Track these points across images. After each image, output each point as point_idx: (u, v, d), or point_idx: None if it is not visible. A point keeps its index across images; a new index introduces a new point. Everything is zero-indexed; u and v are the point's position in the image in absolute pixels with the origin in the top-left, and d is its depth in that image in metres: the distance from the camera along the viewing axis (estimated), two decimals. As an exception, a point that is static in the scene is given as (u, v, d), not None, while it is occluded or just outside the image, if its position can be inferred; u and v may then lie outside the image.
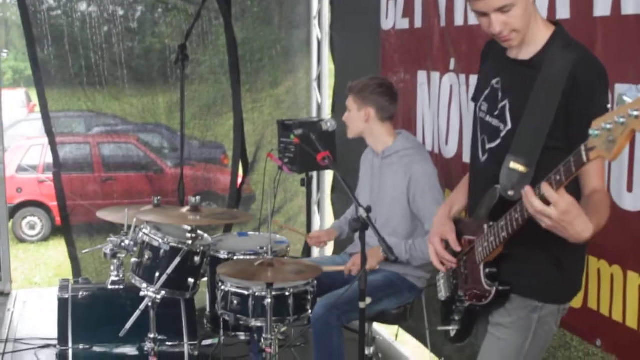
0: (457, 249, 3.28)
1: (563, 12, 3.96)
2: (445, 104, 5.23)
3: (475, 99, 3.39)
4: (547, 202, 2.59)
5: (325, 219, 8.00)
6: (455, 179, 5.07)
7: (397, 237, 4.72)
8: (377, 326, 6.13)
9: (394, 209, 4.79)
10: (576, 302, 3.83)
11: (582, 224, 2.63)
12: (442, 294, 3.53)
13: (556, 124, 2.85)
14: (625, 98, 2.29)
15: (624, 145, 2.30)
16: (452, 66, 5.11)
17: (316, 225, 7.83)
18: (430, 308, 4.99)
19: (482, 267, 3.10)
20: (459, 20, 4.99)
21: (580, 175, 2.83)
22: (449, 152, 5.22)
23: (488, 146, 3.18)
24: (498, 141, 3.11)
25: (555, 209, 2.57)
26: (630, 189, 3.59)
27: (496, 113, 3.14)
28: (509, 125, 3.05)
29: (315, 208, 7.78)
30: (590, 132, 2.37)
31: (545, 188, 2.57)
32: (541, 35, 3.02)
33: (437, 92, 5.33)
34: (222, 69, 7.59)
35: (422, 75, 5.57)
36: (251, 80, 7.84)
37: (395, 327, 5.38)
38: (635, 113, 2.24)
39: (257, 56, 7.93)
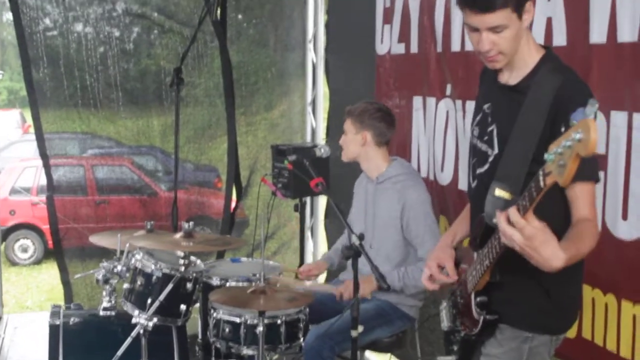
0: (454, 277, 3.27)
1: (559, 39, 3.96)
2: (441, 130, 5.21)
3: (472, 124, 3.40)
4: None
5: (318, 244, 7.97)
6: (450, 206, 5.06)
7: (391, 263, 4.71)
8: (370, 354, 6.08)
9: (387, 234, 4.78)
10: (571, 332, 3.76)
11: (549, 251, 2.58)
12: (444, 323, 3.50)
13: (543, 149, 2.81)
14: (572, 121, 2.27)
15: (573, 169, 2.27)
16: (448, 92, 5.11)
17: (309, 250, 7.80)
18: (422, 337, 4.96)
19: (472, 296, 3.10)
20: (455, 46, 4.98)
21: (570, 202, 2.85)
22: (445, 179, 5.21)
23: (477, 171, 3.19)
24: (486, 166, 3.11)
25: (520, 234, 2.55)
26: (625, 217, 3.57)
27: (485, 138, 3.14)
28: (496, 150, 3.05)
29: (308, 233, 7.76)
30: (546, 156, 2.36)
31: (512, 212, 2.56)
32: (531, 59, 3.02)
33: (432, 118, 5.32)
34: (217, 92, 7.58)
35: (417, 101, 5.56)
36: (246, 103, 7.84)
37: (388, 355, 5.34)
38: (578, 136, 2.21)
39: (252, 79, 7.93)
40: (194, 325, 5.31)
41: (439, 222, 5.17)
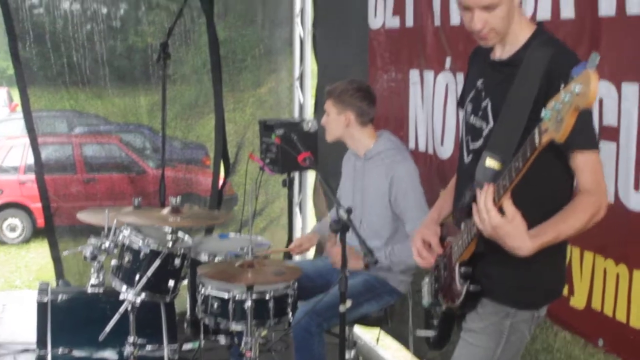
0: (439, 250, 3.29)
1: (567, 11, 3.90)
2: (441, 104, 5.15)
3: (460, 103, 3.41)
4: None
5: (307, 220, 7.96)
6: (450, 180, 5.04)
7: (380, 239, 4.72)
8: (358, 330, 6.09)
9: (376, 210, 4.77)
10: (580, 303, 3.83)
11: (515, 243, 2.72)
12: (425, 300, 3.51)
13: (535, 119, 2.82)
14: (573, 75, 2.27)
15: (570, 124, 2.29)
16: (447, 65, 5.04)
17: (298, 226, 7.79)
18: (414, 311, 4.97)
19: (457, 266, 3.09)
20: (455, 20, 4.90)
21: (574, 174, 2.88)
22: (445, 152, 5.14)
23: (472, 147, 3.19)
24: (480, 141, 3.11)
25: (488, 220, 2.68)
26: (637, 187, 3.54)
27: (480, 113, 3.14)
28: (491, 124, 3.05)
29: (297, 209, 7.74)
30: (543, 113, 2.38)
31: (483, 197, 2.68)
32: (522, 35, 3.03)
33: (431, 92, 5.25)
34: (205, 69, 7.53)
35: (414, 74, 5.48)
36: (233, 80, 7.80)
37: (377, 330, 5.35)
38: (577, 89, 2.22)
39: (240, 56, 7.88)
40: (183, 302, 5.31)
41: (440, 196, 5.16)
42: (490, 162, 2.84)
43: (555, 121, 2.31)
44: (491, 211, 2.66)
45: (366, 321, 4.90)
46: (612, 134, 3.59)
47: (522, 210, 2.70)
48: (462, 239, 3.03)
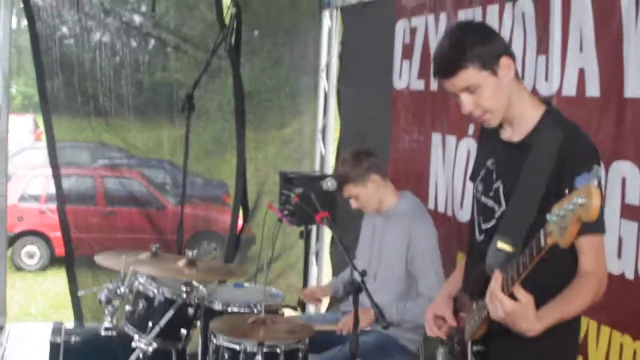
0: (453, 324, 3.30)
1: (593, 90, 3.93)
2: (462, 169, 5.19)
3: (472, 178, 3.42)
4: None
5: (322, 269, 7.95)
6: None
7: (392, 295, 4.75)
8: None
9: (392, 267, 4.81)
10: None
11: (524, 325, 2.77)
12: None
13: (548, 203, 2.82)
14: (577, 185, 2.33)
15: (574, 233, 2.34)
16: (470, 132, 5.08)
17: (313, 275, 7.80)
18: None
19: (469, 344, 3.11)
20: (479, 87, 4.98)
21: (577, 253, 2.89)
22: (464, 215, 5.17)
23: (483, 226, 3.20)
24: (493, 222, 3.13)
25: (501, 307, 2.73)
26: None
27: (491, 194, 3.16)
28: (503, 207, 3.07)
29: (313, 259, 7.75)
30: (548, 217, 2.42)
31: (493, 288, 2.75)
32: (530, 114, 3.03)
33: (452, 156, 5.30)
34: (230, 106, 7.57)
35: (436, 137, 5.54)
36: (258, 120, 7.82)
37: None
38: (581, 201, 2.27)
39: (265, 96, 7.93)
40: (195, 343, 5.32)
41: (457, 259, 5.20)
42: (502, 245, 2.87)
43: (559, 227, 2.36)
44: (503, 300, 2.71)
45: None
46: (633, 213, 3.62)
47: (531, 290, 2.74)
48: (474, 319, 3.05)
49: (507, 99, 2.99)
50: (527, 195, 2.89)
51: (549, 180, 2.83)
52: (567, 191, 2.39)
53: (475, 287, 3.08)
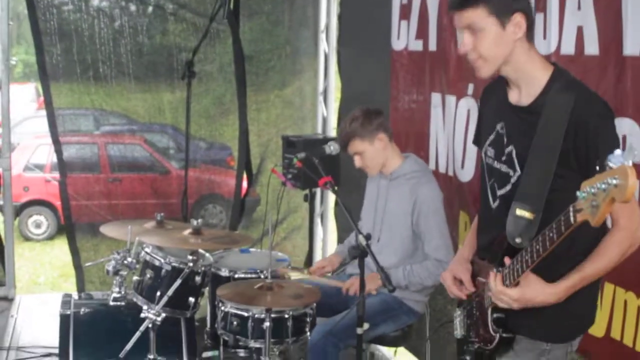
0: (472, 289, 3.31)
1: (591, 48, 3.90)
2: (462, 128, 5.18)
3: (477, 142, 3.41)
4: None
5: (328, 231, 7.99)
6: (471, 202, 5.06)
7: (397, 257, 4.78)
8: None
9: (397, 229, 4.83)
10: (598, 331, 3.82)
11: (538, 300, 2.89)
12: (457, 332, 3.51)
13: (564, 166, 2.85)
14: (610, 164, 2.31)
15: (606, 212, 2.34)
16: (470, 91, 5.07)
17: (319, 237, 7.83)
18: (432, 327, 5.02)
19: (489, 311, 3.13)
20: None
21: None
22: (465, 175, 5.19)
23: (499, 193, 3.18)
24: (509, 187, 3.11)
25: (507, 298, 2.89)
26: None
27: (504, 159, 3.14)
28: (518, 172, 3.05)
29: (318, 220, 7.78)
30: (578, 194, 2.41)
31: (492, 282, 2.91)
32: (539, 77, 3.02)
33: (452, 116, 5.29)
34: (231, 68, 7.54)
35: (436, 98, 5.53)
36: (259, 80, 7.82)
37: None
38: (615, 182, 2.26)
39: (266, 56, 7.90)
40: (203, 309, 5.35)
41: (460, 218, 5.23)
42: (521, 212, 2.89)
43: (590, 205, 2.36)
44: (506, 292, 2.85)
45: (383, 341, 4.96)
46: (635, 170, 3.60)
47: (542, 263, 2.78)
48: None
49: (506, 53, 2.99)
50: (542, 159, 2.89)
51: (564, 142, 2.83)
52: (597, 169, 2.36)
53: (495, 254, 3.08)
